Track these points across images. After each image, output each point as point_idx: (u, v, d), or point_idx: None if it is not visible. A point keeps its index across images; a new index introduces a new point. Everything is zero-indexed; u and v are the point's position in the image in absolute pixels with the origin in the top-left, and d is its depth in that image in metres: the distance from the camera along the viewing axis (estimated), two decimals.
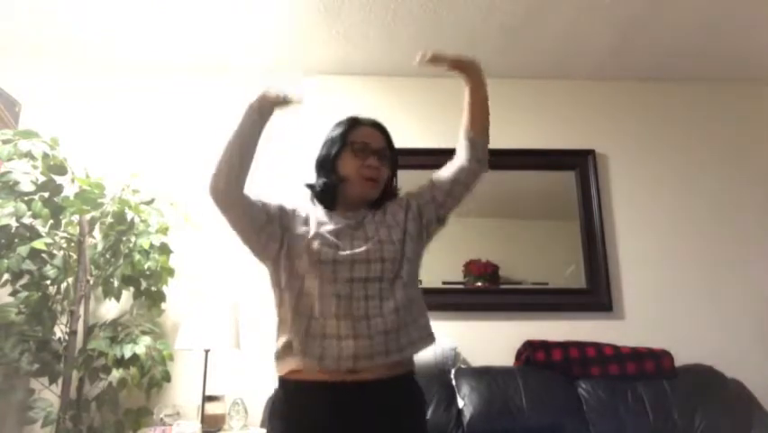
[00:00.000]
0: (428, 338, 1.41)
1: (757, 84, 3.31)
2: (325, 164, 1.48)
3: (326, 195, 1.46)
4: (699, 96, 3.29)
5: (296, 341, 1.32)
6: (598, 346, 2.63)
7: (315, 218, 1.42)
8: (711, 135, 3.23)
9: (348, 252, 1.34)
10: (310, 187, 1.52)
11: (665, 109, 3.26)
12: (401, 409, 1.34)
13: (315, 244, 1.34)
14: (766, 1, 2.64)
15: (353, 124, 1.50)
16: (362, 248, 1.35)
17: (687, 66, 3.17)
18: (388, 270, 1.35)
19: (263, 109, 1.37)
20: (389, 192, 1.54)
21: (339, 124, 1.52)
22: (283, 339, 1.36)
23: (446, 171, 1.50)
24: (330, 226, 1.39)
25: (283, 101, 1.38)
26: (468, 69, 1.50)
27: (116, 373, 2.51)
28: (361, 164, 1.43)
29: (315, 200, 1.50)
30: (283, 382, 1.38)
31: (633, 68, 3.18)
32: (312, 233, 1.37)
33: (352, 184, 1.44)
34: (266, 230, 1.38)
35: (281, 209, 1.43)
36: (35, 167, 2.37)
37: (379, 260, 1.34)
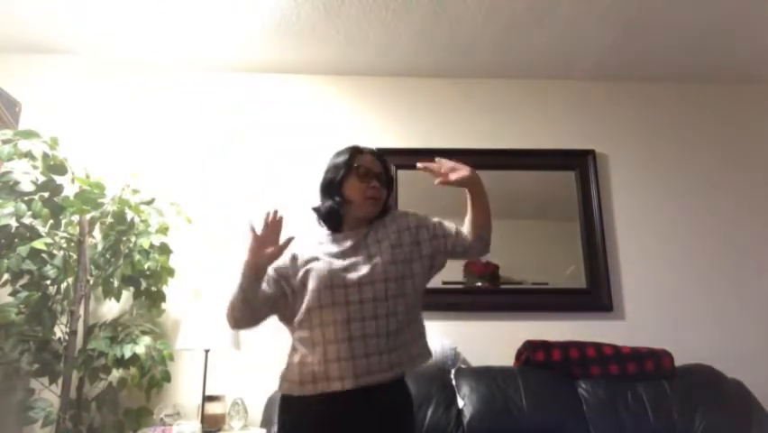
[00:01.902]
0: (426, 355, 1.54)
1: (758, 84, 3.31)
2: (331, 188, 1.60)
3: (333, 216, 1.59)
4: (699, 96, 3.29)
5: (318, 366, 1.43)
6: (598, 346, 2.63)
7: (319, 245, 1.56)
8: (712, 135, 3.23)
9: (354, 275, 1.47)
10: (316, 210, 1.64)
11: (665, 109, 3.26)
12: (390, 411, 1.46)
13: (323, 271, 1.47)
14: (766, 1, 2.65)
15: (355, 152, 1.63)
16: (366, 270, 1.48)
17: (687, 66, 3.17)
18: (392, 288, 1.47)
19: (258, 274, 1.45)
20: (385, 209, 1.65)
21: (342, 153, 1.65)
22: (300, 366, 1.47)
23: (460, 238, 1.60)
24: (334, 249, 1.53)
25: (269, 259, 1.44)
26: (468, 184, 1.56)
27: (116, 373, 2.51)
28: (366, 187, 1.57)
29: (320, 222, 1.63)
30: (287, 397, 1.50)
31: (633, 68, 3.18)
32: (318, 261, 1.50)
33: (357, 205, 1.57)
34: (279, 303, 1.53)
35: (279, 271, 1.53)
36: (35, 167, 2.37)
37: (383, 280, 1.47)
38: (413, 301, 1.53)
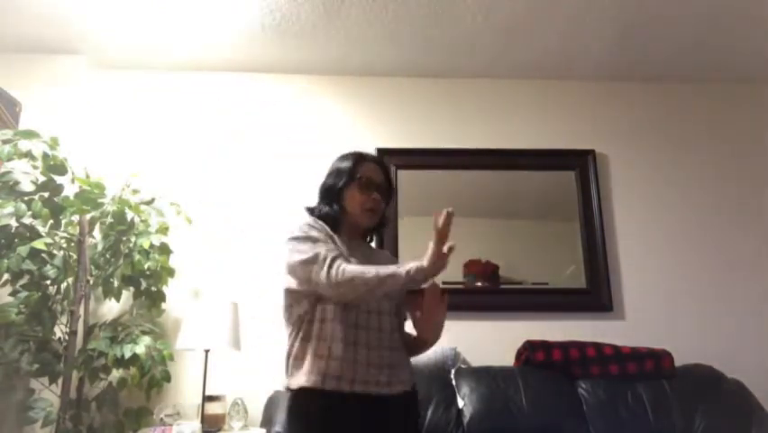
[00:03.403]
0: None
1: (758, 84, 3.31)
2: (331, 193, 1.58)
3: (328, 221, 1.56)
4: (699, 96, 3.29)
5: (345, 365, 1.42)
6: (598, 346, 2.63)
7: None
8: (711, 135, 3.23)
9: None
10: (310, 210, 1.61)
11: (665, 109, 3.26)
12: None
13: None
14: (767, 1, 2.65)
15: (360, 159, 1.61)
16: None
17: (687, 66, 3.17)
18: (393, 305, 1.53)
19: (412, 282, 1.39)
20: (382, 220, 1.66)
21: (346, 158, 1.62)
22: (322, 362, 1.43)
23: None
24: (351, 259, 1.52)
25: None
26: (432, 332, 1.62)
27: (116, 373, 2.50)
28: (366, 198, 1.56)
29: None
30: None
31: (633, 68, 3.18)
32: None
33: (355, 215, 1.57)
34: None
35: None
36: (35, 167, 2.37)
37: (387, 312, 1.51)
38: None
